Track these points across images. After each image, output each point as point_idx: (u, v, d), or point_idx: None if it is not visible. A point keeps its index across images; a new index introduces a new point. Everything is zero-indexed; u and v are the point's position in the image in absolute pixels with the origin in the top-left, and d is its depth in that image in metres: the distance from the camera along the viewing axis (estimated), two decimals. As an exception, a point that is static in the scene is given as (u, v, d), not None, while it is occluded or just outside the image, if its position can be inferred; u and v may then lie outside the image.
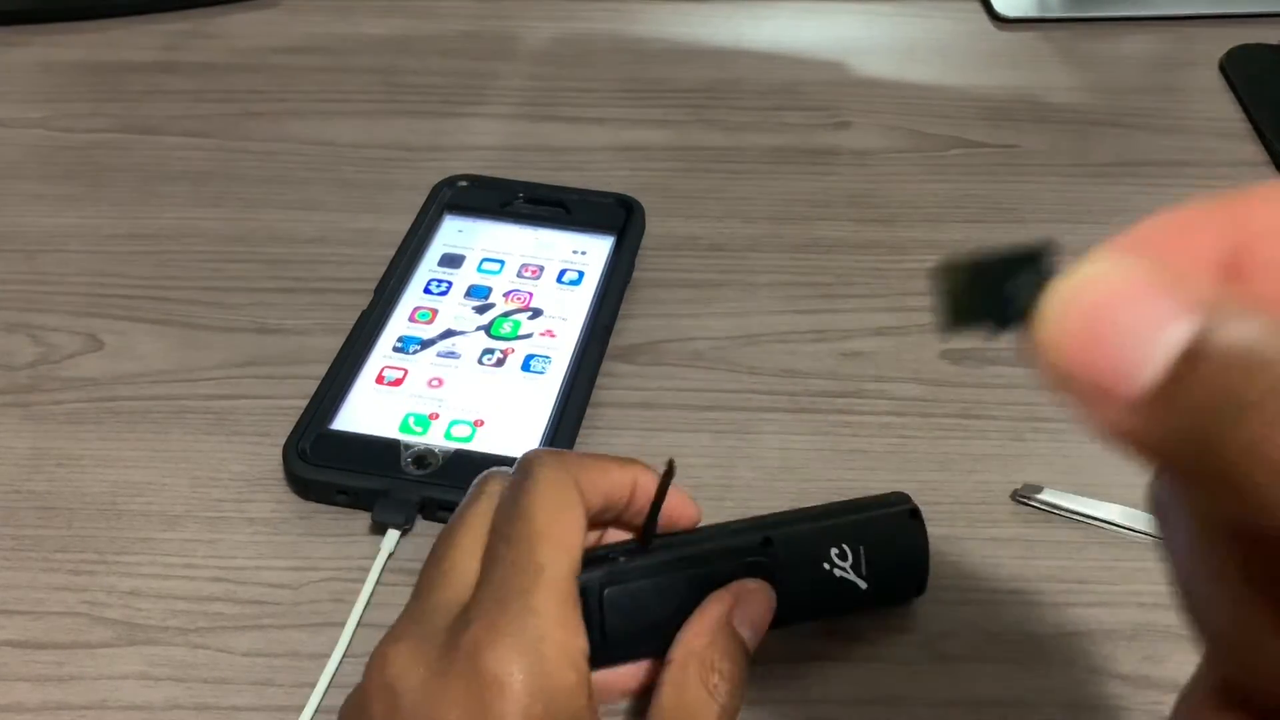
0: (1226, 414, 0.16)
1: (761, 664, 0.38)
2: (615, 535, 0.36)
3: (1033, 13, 0.71)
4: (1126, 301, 0.17)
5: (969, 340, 0.50)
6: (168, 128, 0.61)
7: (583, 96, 0.64)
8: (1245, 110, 0.64)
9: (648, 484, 0.35)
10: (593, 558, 0.35)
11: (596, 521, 0.34)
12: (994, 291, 0.19)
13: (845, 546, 0.37)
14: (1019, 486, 0.44)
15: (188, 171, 0.58)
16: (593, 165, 0.58)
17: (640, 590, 0.35)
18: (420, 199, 0.54)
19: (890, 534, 0.39)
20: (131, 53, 0.66)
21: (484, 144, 0.60)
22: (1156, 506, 0.21)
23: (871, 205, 0.57)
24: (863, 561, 0.37)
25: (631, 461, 0.35)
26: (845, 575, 0.38)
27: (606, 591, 0.35)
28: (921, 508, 0.41)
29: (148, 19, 0.68)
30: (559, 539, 0.31)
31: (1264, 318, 0.17)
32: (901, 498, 0.40)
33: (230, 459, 0.44)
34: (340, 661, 0.38)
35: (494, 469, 0.35)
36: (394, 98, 0.63)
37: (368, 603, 0.40)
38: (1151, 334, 0.17)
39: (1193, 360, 0.17)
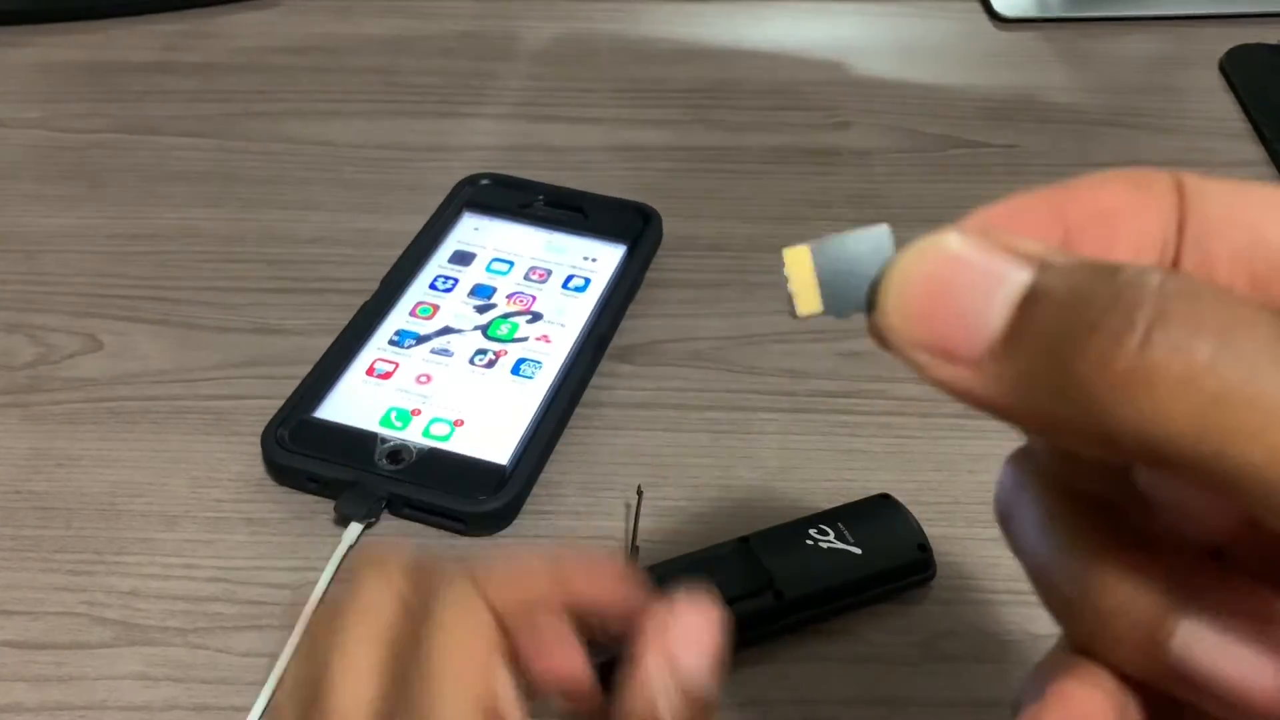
0: (1071, 342, 0.17)
1: (761, 664, 0.38)
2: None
3: (1032, 13, 0.71)
4: (964, 264, 0.18)
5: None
6: (167, 128, 0.61)
7: (582, 96, 0.64)
8: (1245, 110, 0.64)
9: (581, 576, 0.27)
10: None
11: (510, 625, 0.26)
12: (840, 273, 0.20)
13: (823, 525, 0.39)
14: (1019, 486, 0.44)
15: (187, 172, 0.58)
16: (592, 165, 0.58)
17: None
18: (420, 199, 0.54)
19: (866, 511, 0.41)
20: (130, 53, 0.66)
21: (484, 144, 0.60)
22: (1003, 504, 0.22)
23: (871, 205, 0.57)
24: (846, 532, 0.39)
25: (557, 556, 0.27)
26: (834, 545, 0.39)
27: None
28: (921, 508, 0.42)
29: (147, 19, 0.68)
30: (467, 688, 0.24)
31: (1087, 258, 0.18)
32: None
33: (229, 459, 0.44)
34: (290, 662, 0.38)
35: (381, 553, 0.27)
36: (393, 98, 0.63)
37: (322, 598, 0.39)
38: (990, 289, 0.18)
39: (1031, 303, 0.17)
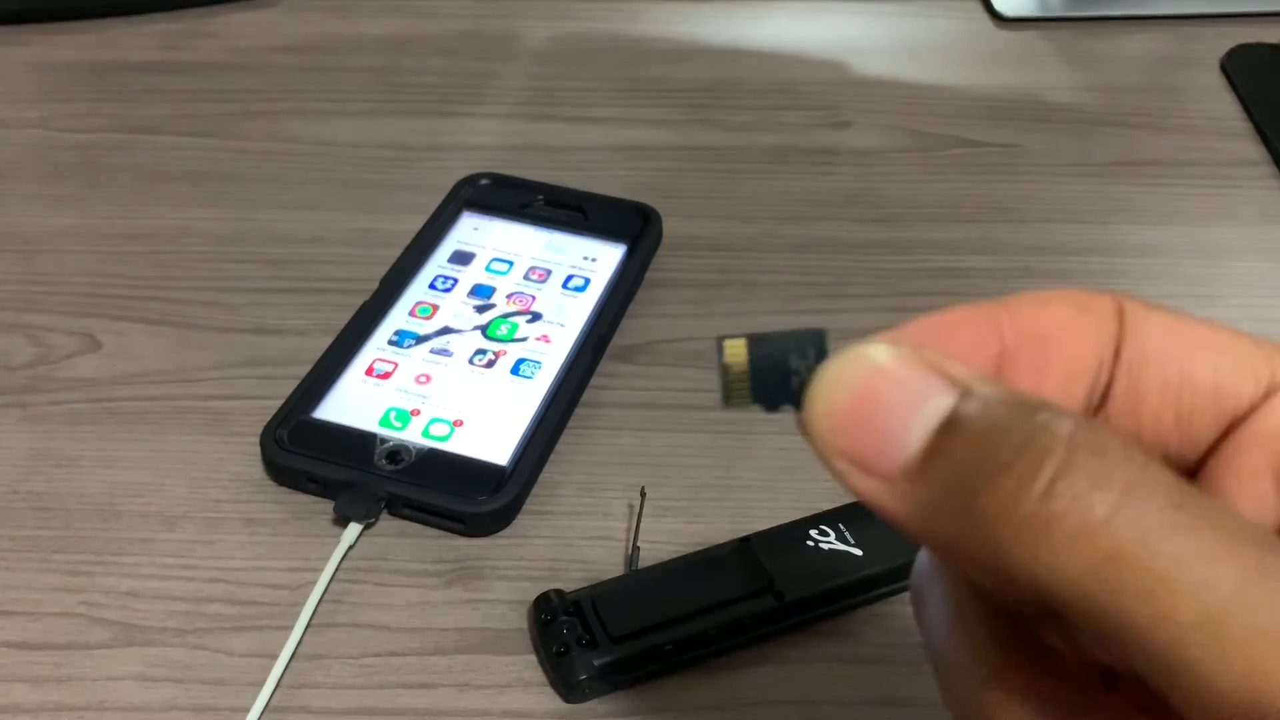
0: (981, 478, 0.17)
1: (762, 665, 0.38)
2: None
3: (1033, 12, 0.71)
4: (889, 379, 0.18)
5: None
6: (166, 127, 0.60)
7: (582, 96, 0.64)
8: (1246, 109, 0.64)
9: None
10: (580, 589, 0.38)
11: None
12: (773, 370, 0.20)
13: (824, 526, 0.40)
14: (1019, 487, 0.44)
15: (186, 171, 0.58)
16: (592, 165, 0.58)
17: (629, 589, 0.38)
18: (419, 199, 0.54)
19: (866, 511, 0.41)
20: (129, 52, 0.66)
21: (483, 144, 0.60)
22: (915, 589, 0.22)
23: (872, 205, 0.57)
24: (846, 533, 0.39)
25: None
26: (835, 547, 0.39)
27: (597, 598, 0.38)
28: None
29: (146, 18, 0.68)
30: None
31: (1011, 390, 0.18)
32: None
33: (229, 459, 0.44)
34: (289, 662, 0.38)
35: None
36: (393, 97, 0.63)
37: (320, 598, 0.39)
38: (911, 409, 0.18)
39: (948, 431, 0.18)
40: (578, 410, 0.46)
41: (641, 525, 0.41)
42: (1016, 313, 0.20)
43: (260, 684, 0.37)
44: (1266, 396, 0.20)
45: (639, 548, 0.40)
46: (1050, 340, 0.20)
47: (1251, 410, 0.20)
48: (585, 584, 0.39)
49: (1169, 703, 0.16)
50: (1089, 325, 0.20)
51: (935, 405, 0.18)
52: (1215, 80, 0.66)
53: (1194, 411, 0.20)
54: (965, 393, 0.18)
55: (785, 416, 0.50)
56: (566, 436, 0.45)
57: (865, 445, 0.19)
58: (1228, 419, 0.20)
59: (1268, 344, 0.21)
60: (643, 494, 0.41)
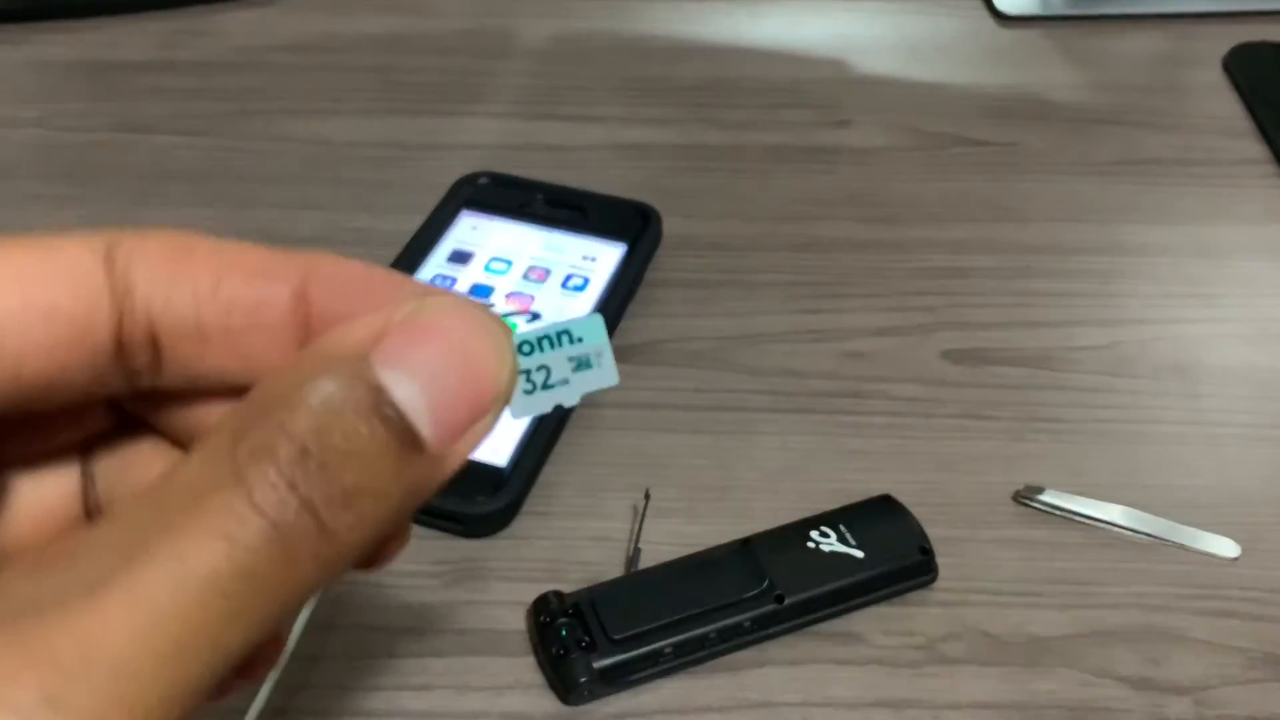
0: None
1: (763, 667, 0.38)
2: None
3: (1035, 10, 0.71)
4: None
5: (970, 341, 0.50)
6: (164, 126, 0.60)
7: (581, 94, 0.63)
8: (1248, 108, 0.63)
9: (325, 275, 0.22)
10: (580, 591, 0.38)
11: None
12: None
13: (824, 527, 0.39)
14: (1020, 488, 0.43)
15: (184, 170, 0.58)
16: (591, 164, 0.58)
17: (629, 591, 0.38)
18: (418, 198, 0.54)
19: (867, 513, 0.41)
20: (127, 51, 0.66)
21: (482, 142, 0.60)
22: None
23: (872, 204, 0.57)
24: (847, 534, 0.39)
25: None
26: (835, 549, 0.39)
27: (597, 600, 0.38)
28: (922, 508, 0.41)
29: (143, 17, 0.68)
30: None
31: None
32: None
33: (226, 460, 0.44)
34: (286, 664, 0.37)
35: None
36: (391, 96, 0.63)
37: (319, 600, 0.39)
38: None
39: None
40: (577, 410, 0.46)
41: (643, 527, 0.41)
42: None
43: (260, 683, 0.37)
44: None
45: (640, 549, 0.40)
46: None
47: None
48: (585, 585, 0.39)
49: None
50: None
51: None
52: (1217, 79, 0.66)
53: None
54: None
55: (790, 416, 0.49)
56: (566, 437, 0.45)
57: None
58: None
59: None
60: (647, 496, 0.41)
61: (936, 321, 0.50)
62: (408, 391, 0.19)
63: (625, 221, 0.53)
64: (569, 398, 0.22)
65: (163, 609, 0.17)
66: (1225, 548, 0.42)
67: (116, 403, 0.24)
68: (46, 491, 0.23)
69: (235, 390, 0.21)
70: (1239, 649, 0.39)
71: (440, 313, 0.20)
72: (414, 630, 0.39)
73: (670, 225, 0.54)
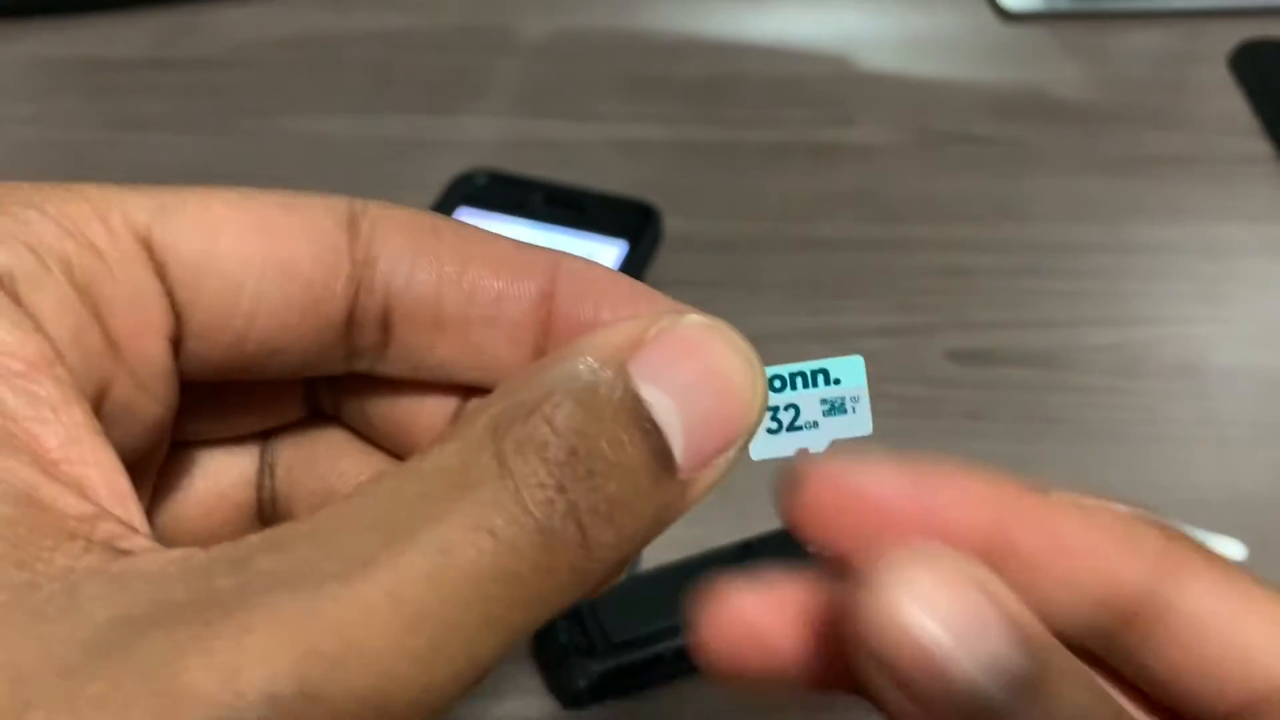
0: None
1: (763, 672, 0.38)
2: None
3: (1039, 7, 0.70)
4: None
5: (974, 341, 0.49)
6: (160, 123, 0.60)
7: (581, 91, 0.63)
8: (1254, 105, 0.63)
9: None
10: None
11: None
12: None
13: None
14: (1026, 489, 0.43)
15: (179, 168, 0.57)
16: (591, 162, 0.58)
17: (629, 595, 0.37)
18: (416, 196, 0.53)
19: None
20: (123, 48, 0.65)
21: (481, 139, 0.59)
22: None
23: (875, 202, 0.56)
24: None
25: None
26: None
27: (596, 603, 0.37)
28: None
29: (139, 13, 0.67)
30: None
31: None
32: None
33: (220, 461, 0.43)
34: None
35: None
36: (389, 93, 0.63)
37: None
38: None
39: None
40: (576, 411, 0.45)
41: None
42: (1034, 513, 0.20)
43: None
44: None
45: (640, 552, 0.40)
46: (1070, 557, 0.19)
47: None
48: (584, 589, 0.38)
49: None
50: (1128, 563, 0.19)
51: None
52: (1223, 76, 0.66)
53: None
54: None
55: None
56: (565, 438, 0.44)
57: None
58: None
59: None
60: None
61: (940, 321, 0.50)
62: (665, 408, 0.18)
63: (625, 220, 0.52)
64: (816, 443, 0.21)
65: (426, 605, 0.15)
66: (1232, 550, 0.41)
67: (314, 391, 0.22)
68: (224, 475, 0.22)
69: (454, 389, 0.20)
70: (1248, 654, 0.39)
71: (699, 331, 0.19)
72: (410, 634, 0.38)
73: (671, 224, 0.53)
